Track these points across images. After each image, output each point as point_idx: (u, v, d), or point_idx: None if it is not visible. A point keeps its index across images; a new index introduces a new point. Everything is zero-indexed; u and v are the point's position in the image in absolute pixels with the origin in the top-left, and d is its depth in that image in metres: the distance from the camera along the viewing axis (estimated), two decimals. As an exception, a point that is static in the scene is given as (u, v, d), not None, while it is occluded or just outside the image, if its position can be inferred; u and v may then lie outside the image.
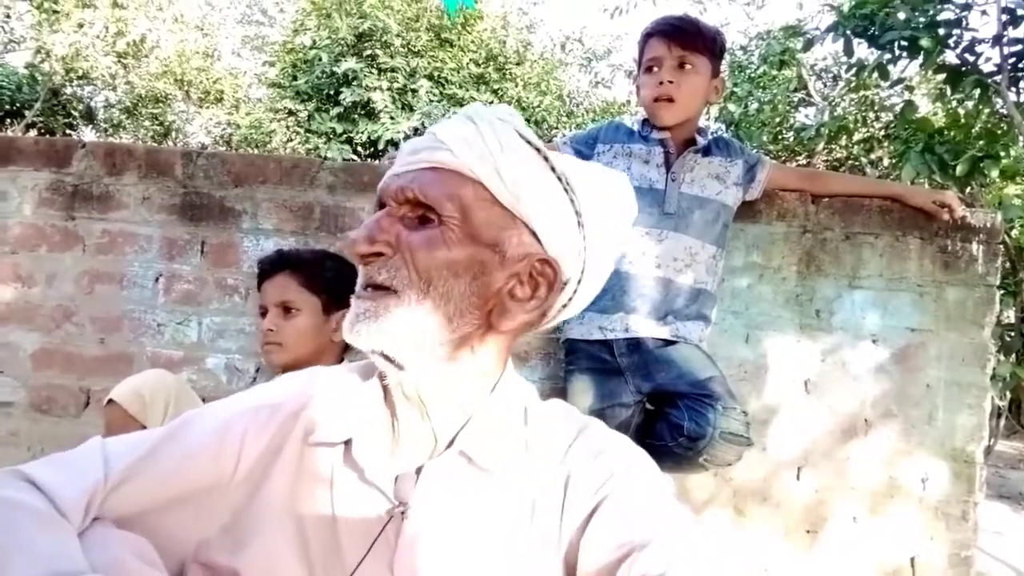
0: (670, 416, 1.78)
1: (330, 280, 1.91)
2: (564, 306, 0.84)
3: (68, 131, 11.16)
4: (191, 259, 2.25)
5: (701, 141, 1.97)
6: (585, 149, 2.03)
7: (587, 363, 1.92)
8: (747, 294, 2.16)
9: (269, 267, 1.91)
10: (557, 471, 0.80)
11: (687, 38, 1.88)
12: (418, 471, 0.79)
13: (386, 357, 0.76)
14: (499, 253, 0.76)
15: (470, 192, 0.75)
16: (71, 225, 2.26)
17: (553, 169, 0.78)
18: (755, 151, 2.11)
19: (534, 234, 0.78)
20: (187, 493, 0.78)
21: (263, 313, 1.88)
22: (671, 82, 1.87)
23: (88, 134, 11.97)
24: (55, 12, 9.88)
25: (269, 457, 0.81)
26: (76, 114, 11.22)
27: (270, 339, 1.84)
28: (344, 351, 1.94)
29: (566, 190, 0.79)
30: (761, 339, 2.15)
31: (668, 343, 1.84)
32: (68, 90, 10.92)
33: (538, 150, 0.78)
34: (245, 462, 0.80)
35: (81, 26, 10.30)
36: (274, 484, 0.79)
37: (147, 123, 12.19)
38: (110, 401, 1.71)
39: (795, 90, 7.48)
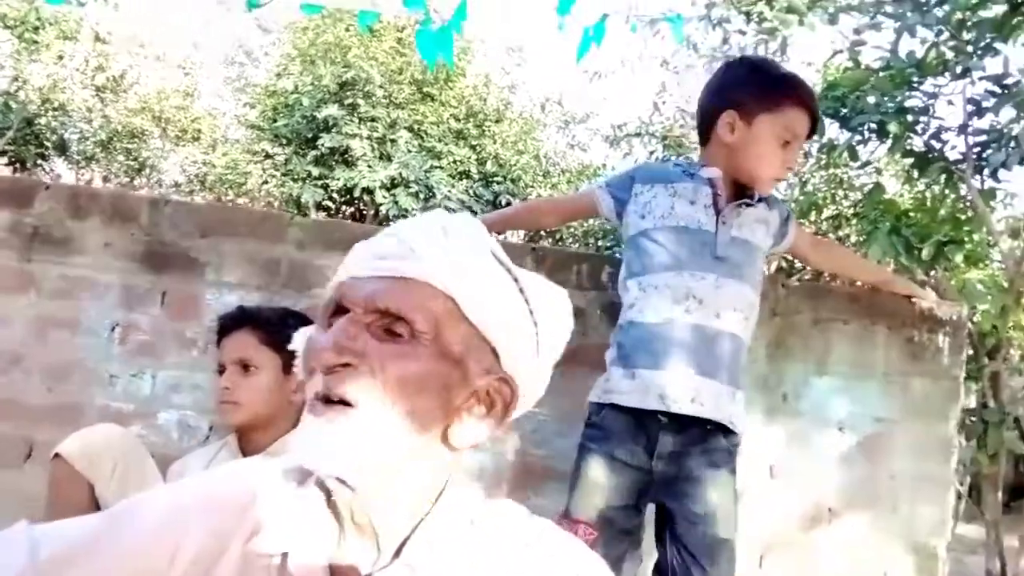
0: (660, 562, 1.70)
1: (292, 338, 1.86)
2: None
3: (40, 161, 11.02)
4: (150, 309, 2.18)
5: (756, 196, 1.83)
6: (620, 194, 1.91)
7: (616, 447, 1.71)
8: (715, 374, 2.15)
9: (229, 323, 1.86)
10: None
11: (813, 132, 1.81)
12: None
13: (340, 479, 0.73)
14: (463, 370, 0.75)
15: (441, 307, 0.74)
16: (27, 267, 2.19)
17: (522, 291, 0.79)
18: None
19: (495, 352, 0.78)
20: None
21: (221, 370, 1.83)
22: (790, 168, 1.79)
23: (60, 165, 11.83)
24: (35, 43, 9.84)
25: (209, 560, 0.75)
26: (49, 145, 11.09)
27: (227, 398, 1.77)
28: (302, 411, 1.88)
29: (531, 313, 0.79)
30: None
31: (715, 460, 1.71)
32: (43, 120, 10.81)
33: (509, 271, 0.79)
34: (180, 564, 0.75)
35: (61, 58, 10.27)
36: None
37: (121, 158, 12.08)
38: (56, 455, 1.64)
39: (767, 164, 7.62)
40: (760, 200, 1.83)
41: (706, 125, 1.83)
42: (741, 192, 1.81)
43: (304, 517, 0.77)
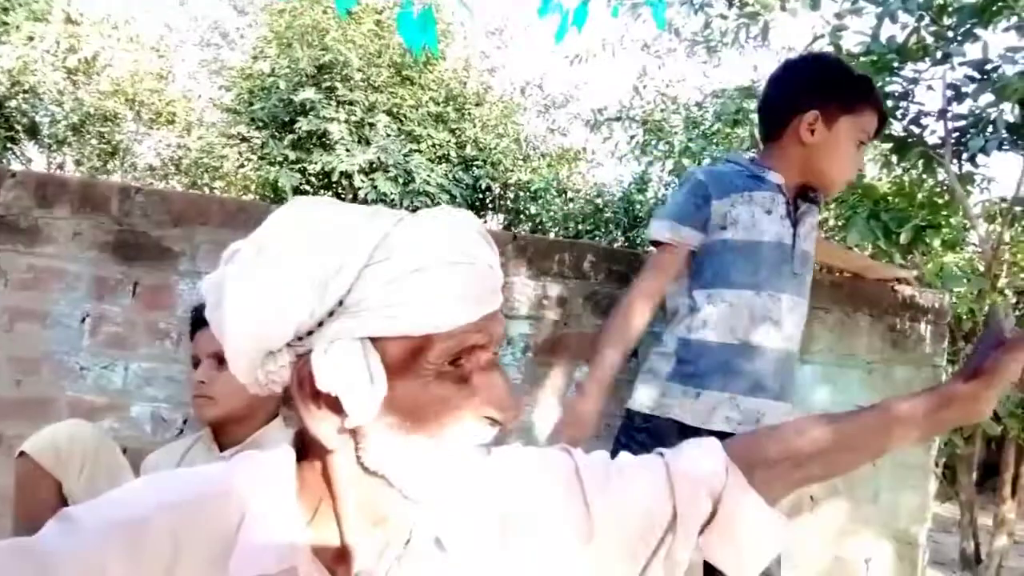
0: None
1: None
2: None
3: (10, 145, 10.80)
4: (121, 300, 2.13)
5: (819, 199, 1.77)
6: (700, 216, 1.71)
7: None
8: (698, 363, 2.13)
9: (204, 315, 1.81)
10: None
11: (879, 132, 1.75)
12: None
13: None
14: None
15: None
16: (-7, 258, 2.13)
17: None
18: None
19: None
20: None
21: (195, 364, 1.78)
22: (860, 169, 1.71)
23: (31, 149, 11.61)
24: (4, 24, 9.62)
25: None
26: (19, 128, 10.87)
27: (201, 392, 1.72)
28: (279, 406, 1.84)
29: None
30: (710, 409, 2.12)
31: None
32: (13, 103, 10.59)
33: None
34: None
35: (31, 39, 10.04)
36: None
37: (93, 141, 11.87)
38: (21, 453, 1.59)
39: (747, 148, 7.65)
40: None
41: (780, 125, 1.75)
42: (801, 195, 1.76)
43: (298, 523, 0.72)
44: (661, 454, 0.88)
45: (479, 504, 0.79)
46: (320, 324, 0.66)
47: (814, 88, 1.71)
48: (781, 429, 0.92)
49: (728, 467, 0.85)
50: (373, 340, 0.66)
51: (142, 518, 0.67)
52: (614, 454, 1.71)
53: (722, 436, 1.61)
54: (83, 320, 2.13)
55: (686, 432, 1.64)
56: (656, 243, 1.76)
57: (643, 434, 1.69)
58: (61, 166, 12.06)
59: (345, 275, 0.65)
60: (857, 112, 1.68)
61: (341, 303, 0.65)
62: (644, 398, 1.72)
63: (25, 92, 10.54)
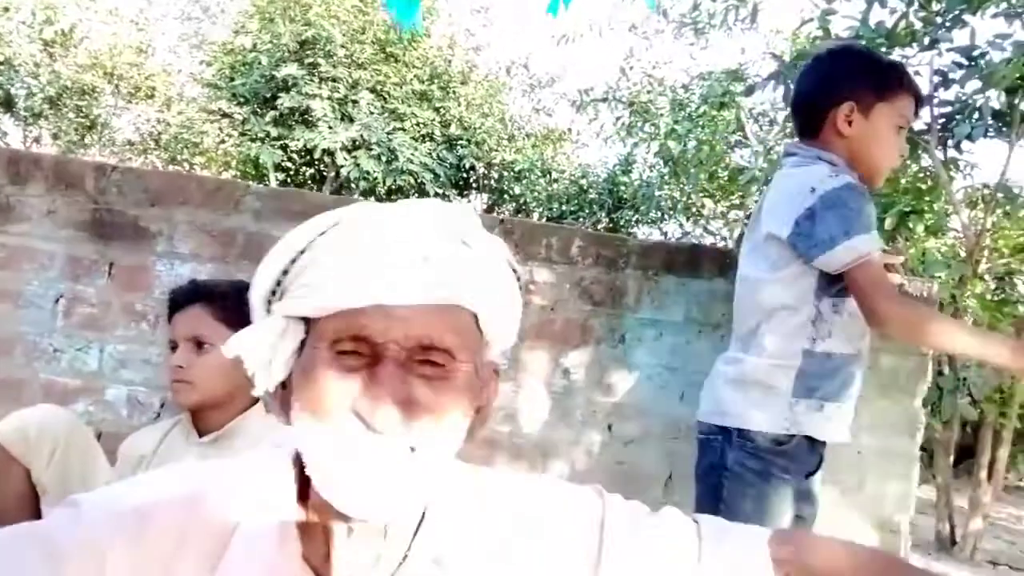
0: None
1: (249, 314, 1.77)
2: None
3: (-16, 117, 10.61)
4: (96, 280, 2.08)
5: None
6: (875, 219, 1.65)
7: (800, 468, 1.66)
8: (685, 351, 2.11)
9: (182, 298, 1.76)
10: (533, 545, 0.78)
11: (915, 116, 1.74)
12: None
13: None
14: (478, 376, 0.74)
15: (468, 325, 0.72)
16: (-36, 236, 2.07)
17: (522, 288, 0.79)
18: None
19: (487, 343, 0.77)
20: None
21: (173, 347, 1.74)
22: (902, 156, 1.71)
23: (7, 122, 11.40)
24: (-22, -7, 9.42)
25: None
26: (-6, 100, 10.67)
27: (179, 376, 1.68)
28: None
29: (524, 305, 0.80)
30: (697, 397, 2.10)
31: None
32: (-13, 75, 10.39)
33: (519, 278, 0.78)
34: None
35: (7, 9, 9.83)
36: None
37: (71, 115, 11.66)
38: (-10, 439, 1.55)
39: (733, 132, 7.64)
40: None
41: (817, 120, 1.72)
42: None
43: (289, 533, 0.71)
44: (697, 521, 0.83)
45: (483, 527, 0.77)
46: (268, 303, 0.73)
47: (846, 79, 1.70)
48: (841, 555, 0.84)
49: (766, 564, 0.79)
50: (308, 321, 0.70)
51: (148, 511, 0.69)
52: (736, 480, 1.68)
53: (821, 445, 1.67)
54: (57, 301, 2.08)
55: (814, 445, 1.67)
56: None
57: (783, 458, 1.64)
58: (38, 139, 11.86)
59: (283, 260, 0.70)
60: (891, 98, 1.67)
61: (279, 284, 0.71)
62: (771, 417, 1.64)
63: (0, 64, 10.32)
